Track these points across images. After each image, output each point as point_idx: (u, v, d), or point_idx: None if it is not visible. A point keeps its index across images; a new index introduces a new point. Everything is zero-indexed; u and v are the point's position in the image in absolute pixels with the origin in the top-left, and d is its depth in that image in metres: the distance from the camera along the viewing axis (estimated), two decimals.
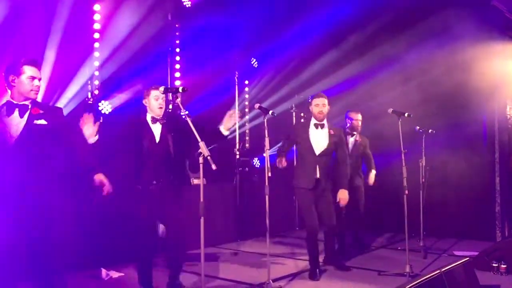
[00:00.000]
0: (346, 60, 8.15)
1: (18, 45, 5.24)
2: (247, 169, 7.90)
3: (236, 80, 8.00)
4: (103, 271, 5.26)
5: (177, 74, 7.17)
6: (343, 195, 5.11)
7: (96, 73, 5.97)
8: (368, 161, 6.44)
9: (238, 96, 8.03)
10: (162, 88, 4.09)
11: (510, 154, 7.18)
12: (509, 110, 7.16)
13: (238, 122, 7.57)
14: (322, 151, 5.10)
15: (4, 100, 3.43)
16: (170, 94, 4.35)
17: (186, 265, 5.53)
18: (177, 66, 7.18)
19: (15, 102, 3.39)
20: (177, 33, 7.22)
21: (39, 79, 3.41)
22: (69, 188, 3.45)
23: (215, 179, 6.89)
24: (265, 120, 4.86)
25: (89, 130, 3.74)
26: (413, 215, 5.72)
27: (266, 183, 4.75)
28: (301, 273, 5.36)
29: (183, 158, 4.45)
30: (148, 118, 4.40)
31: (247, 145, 8.32)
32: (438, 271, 2.85)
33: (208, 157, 3.68)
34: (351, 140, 6.26)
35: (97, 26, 6.00)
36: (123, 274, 5.35)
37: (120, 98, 6.12)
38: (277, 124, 6.69)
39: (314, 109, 5.16)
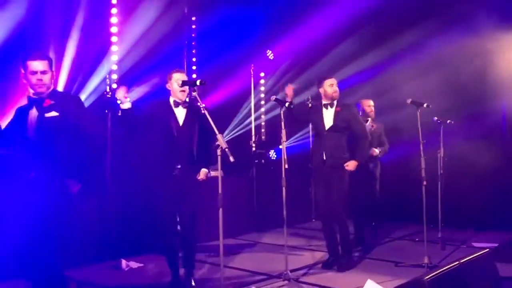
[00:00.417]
0: (364, 50, 8.07)
1: (40, 42, 5.32)
2: (263, 161, 7.93)
3: (252, 72, 8.00)
4: (123, 262, 5.35)
5: (194, 67, 7.21)
6: (350, 163, 5.04)
7: (114, 67, 6.03)
8: (383, 148, 6.40)
9: (254, 88, 8.04)
10: (180, 81, 4.12)
11: None
12: None
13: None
14: (329, 128, 5.10)
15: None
16: (187, 87, 4.39)
17: (205, 256, 5.62)
18: (194, 59, 7.21)
19: (33, 97, 3.44)
20: (193, 26, 7.24)
21: (43, 72, 3.39)
22: (86, 177, 3.45)
23: (231, 171, 6.92)
24: (282, 112, 4.87)
25: (120, 94, 4.07)
26: (431, 206, 5.68)
27: (283, 175, 4.77)
28: (318, 264, 5.38)
29: (205, 143, 4.47)
30: (171, 102, 4.45)
31: (263, 137, 8.34)
32: (457, 262, 2.83)
33: (226, 149, 3.72)
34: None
35: (114, 20, 6.04)
36: (142, 264, 5.44)
37: (138, 92, 6.18)
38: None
39: (329, 89, 5.14)
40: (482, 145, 7.04)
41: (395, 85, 7.55)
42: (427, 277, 2.55)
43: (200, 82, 3.98)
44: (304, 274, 5.00)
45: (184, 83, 4.20)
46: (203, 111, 3.96)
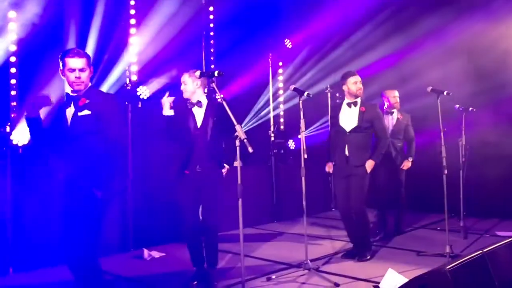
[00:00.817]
0: (384, 37, 7.95)
1: (61, 33, 5.39)
2: (282, 151, 7.93)
3: (270, 62, 7.97)
4: (145, 252, 5.43)
5: (212, 58, 7.22)
6: (368, 164, 5.04)
7: (134, 59, 6.07)
8: (409, 143, 6.27)
9: (272, 78, 8.02)
10: (198, 73, 4.13)
11: None
12: None
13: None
14: (353, 129, 5.07)
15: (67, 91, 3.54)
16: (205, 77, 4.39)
17: (225, 245, 5.66)
18: (212, 50, 7.21)
19: (71, 94, 3.48)
20: (211, 17, 7.24)
21: (82, 70, 3.41)
22: (114, 173, 3.50)
23: (250, 161, 6.95)
24: (300, 101, 4.85)
25: (166, 105, 4.30)
26: (453, 195, 5.62)
27: (302, 165, 4.76)
28: (338, 254, 5.38)
29: (223, 142, 4.50)
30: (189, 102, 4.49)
31: (282, 127, 8.33)
32: (480, 251, 2.80)
33: (245, 140, 3.72)
34: (390, 118, 6.16)
35: (133, 11, 6.08)
36: (164, 254, 5.51)
37: (157, 83, 6.22)
38: (312, 105, 6.66)
39: (353, 87, 5.09)
40: (505, 132, 6.91)
41: (416, 72, 7.43)
42: (449, 266, 2.52)
43: (218, 73, 3.98)
44: (324, 264, 5.01)
45: (202, 74, 4.21)
46: (221, 101, 3.96)
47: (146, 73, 6.15)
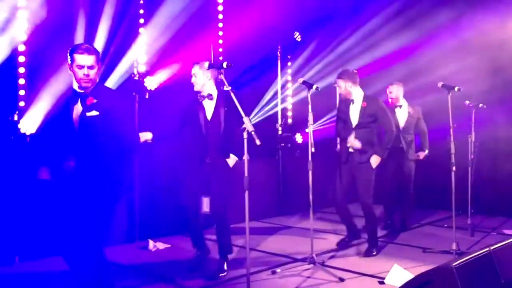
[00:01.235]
0: (396, 31, 7.85)
1: (70, 24, 5.39)
2: (289, 144, 7.90)
3: (279, 55, 7.93)
4: (151, 243, 5.45)
5: (220, 50, 7.18)
6: (372, 159, 5.05)
7: (142, 49, 6.06)
8: (422, 137, 6.27)
9: (281, 71, 7.97)
10: (206, 64, 4.12)
11: None
12: None
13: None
14: (356, 125, 5.11)
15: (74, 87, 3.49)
16: (214, 69, 4.37)
17: (231, 238, 5.66)
18: (220, 41, 7.18)
19: (78, 91, 3.44)
20: (219, 8, 7.19)
21: (90, 67, 3.35)
22: (121, 167, 3.52)
23: (258, 154, 6.92)
24: (309, 95, 4.82)
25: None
26: (461, 192, 5.57)
27: (310, 159, 4.74)
28: (344, 248, 5.36)
29: (232, 134, 4.51)
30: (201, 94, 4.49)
31: (289, 120, 8.29)
32: (487, 249, 2.77)
33: (252, 132, 3.71)
34: (399, 113, 6.11)
35: (142, 1, 6.06)
36: (169, 245, 5.53)
37: (165, 74, 6.20)
38: (320, 99, 6.61)
39: (341, 84, 5.18)
40: None
41: (429, 67, 7.34)
42: (455, 263, 2.50)
43: (227, 65, 3.97)
44: (329, 258, 4.99)
45: (210, 66, 4.19)
46: (229, 93, 3.95)
47: (154, 64, 6.13)
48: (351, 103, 5.18)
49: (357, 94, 5.16)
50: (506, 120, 6.92)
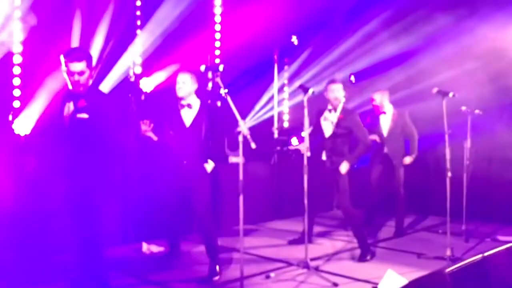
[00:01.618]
0: (394, 36, 7.85)
1: (69, 25, 5.39)
2: (285, 148, 7.89)
3: (276, 58, 7.93)
4: (144, 245, 5.42)
5: (217, 52, 7.18)
6: (342, 164, 5.11)
7: (138, 51, 6.05)
8: (411, 141, 6.25)
9: (277, 74, 7.97)
10: (203, 67, 4.14)
11: None
12: None
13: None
14: (329, 136, 5.20)
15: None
16: (210, 72, 4.40)
17: (225, 242, 5.65)
18: (217, 44, 7.18)
19: (71, 91, 3.55)
20: (216, 11, 7.20)
21: (80, 73, 3.45)
22: (112, 168, 3.60)
23: (253, 158, 6.91)
24: (305, 99, 4.81)
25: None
26: (456, 198, 5.57)
27: (305, 163, 4.73)
28: (339, 253, 5.35)
29: (218, 139, 4.56)
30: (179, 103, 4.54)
31: (285, 124, 8.29)
32: (480, 255, 2.77)
33: (248, 136, 3.71)
34: (384, 119, 6.18)
35: (138, 3, 6.06)
36: (162, 248, 5.50)
37: (161, 76, 6.20)
38: (317, 103, 6.62)
39: (329, 94, 5.23)
40: (510, 136, 6.85)
41: (425, 73, 7.35)
42: (449, 269, 2.50)
43: (223, 68, 3.98)
44: (324, 263, 4.98)
45: (207, 69, 4.22)
46: (213, 104, 3.98)
47: (150, 66, 6.12)
48: (328, 112, 5.26)
49: (339, 104, 5.24)
50: (501, 127, 6.93)
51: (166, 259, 4.99)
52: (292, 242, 5.76)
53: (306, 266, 4.65)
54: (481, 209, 6.89)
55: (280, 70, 8.17)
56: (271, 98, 7.95)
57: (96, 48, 5.54)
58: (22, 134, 5.03)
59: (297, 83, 4.96)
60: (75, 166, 3.51)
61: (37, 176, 4.91)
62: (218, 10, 7.20)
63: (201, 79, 5.67)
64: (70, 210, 3.57)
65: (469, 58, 7.09)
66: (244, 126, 3.85)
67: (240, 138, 3.85)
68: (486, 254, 2.80)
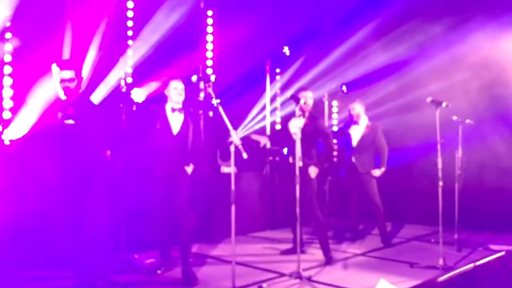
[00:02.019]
0: (386, 46, 7.91)
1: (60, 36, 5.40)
2: (277, 158, 7.88)
3: (268, 68, 7.95)
4: (136, 257, 5.37)
5: (209, 63, 7.18)
6: (310, 169, 5.33)
7: (130, 61, 6.04)
8: (381, 153, 6.35)
9: (270, 84, 7.99)
10: (194, 78, 4.17)
11: None
12: None
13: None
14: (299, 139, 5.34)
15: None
16: (202, 82, 4.44)
17: (217, 252, 5.61)
18: (209, 55, 7.18)
19: (62, 98, 3.88)
20: (209, 21, 7.21)
21: (69, 80, 3.75)
22: (101, 177, 3.75)
23: (245, 168, 6.90)
24: (297, 109, 4.83)
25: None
26: (448, 207, 5.59)
27: (297, 172, 4.73)
28: (331, 263, 5.33)
29: (206, 147, 4.73)
30: (168, 108, 4.65)
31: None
32: (472, 264, 2.78)
33: (240, 146, 3.71)
34: (356, 129, 6.35)
35: (130, 14, 6.06)
36: (154, 259, 5.45)
37: (152, 86, 6.18)
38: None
39: (301, 101, 5.31)
40: (502, 145, 6.90)
41: (417, 83, 7.39)
42: (441, 278, 2.50)
43: (215, 78, 4.02)
44: (316, 273, 4.96)
45: (199, 79, 4.27)
46: (216, 107, 3.99)
47: (142, 77, 6.11)
48: (298, 117, 5.34)
49: (307, 110, 5.47)
50: (492, 136, 6.98)
51: (157, 270, 4.94)
52: (284, 252, 5.74)
53: (298, 276, 4.63)
54: (473, 218, 6.92)
55: (272, 80, 8.19)
56: (263, 108, 7.96)
57: (87, 59, 5.54)
58: (8, 144, 5.00)
59: (288, 93, 4.98)
60: (63, 169, 3.76)
61: (27, 184, 4.88)
62: (210, 20, 7.21)
63: (193, 89, 5.81)
64: (62, 213, 3.86)
65: (461, 67, 7.16)
66: (236, 137, 3.86)
67: (232, 148, 3.85)
68: (478, 263, 2.81)
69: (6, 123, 5.05)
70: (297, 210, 4.77)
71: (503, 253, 3.11)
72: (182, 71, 5.96)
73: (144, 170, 4.94)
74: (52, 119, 3.83)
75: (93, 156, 3.83)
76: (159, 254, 4.98)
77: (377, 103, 7.71)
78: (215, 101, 4.11)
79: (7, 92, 5.11)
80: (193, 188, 4.75)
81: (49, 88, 4.94)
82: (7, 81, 5.11)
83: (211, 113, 6.78)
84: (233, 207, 3.85)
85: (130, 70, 6.01)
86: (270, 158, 7.74)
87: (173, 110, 4.63)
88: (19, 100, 5.13)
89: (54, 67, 3.77)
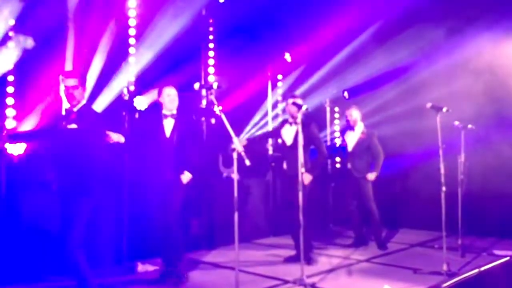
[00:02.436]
0: (387, 51, 7.90)
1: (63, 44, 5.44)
2: (273, 164, 7.88)
3: (269, 75, 7.97)
4: (139, 265, 5.37)
5: (211, 70, 7.20)
6: (304, 175, 5.27)
7: (132, 69, 6.06)
8: (376, 159, 6.37)
9: (271, 91, 8.00)
10: (197, 85, 4.19)
11: None
12: None
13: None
14: (290, 145, 5.52)
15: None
16: (204, 90, 4.46)
17: (220, 259, 5.60)
18: (211, 62, 7.20)
19: (66, 107, 4.03)
20: (211, 29, 7.23)
21: (73, 88, 3.91)
22: (103, 184, 3.81)
23: (248, 174, 6.91)
24: (299, 115, 4.84)
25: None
26: (452, 212, 5.58)
27: (300, 179, 4.73)
28: (335, 270, 5.32)
29: (199, 153, 4.80)
30: (162, 113, 4.75)
31: (279, 140, 8.28)
32: (477, 270, 2.77)
33: (242, 153, 3.71)
34: (352, 135, 6.43)
35: (132, 22, 6.09)
36: (158, 267, 5.44)
37: (155, 94, 6.20)
38: (310, 119, 6.65)
39: (291, 108, 5.46)
40: (505, 149, 6.88)
41: (419, 88, 7.38)
42: (445, 284, 2.49)
43: (217, 86, 4.03)
44: (320, 280, 4.94)
45: (201, 87, 4.31)
46: (219, 114, 4.00)
47: (144, 84, 6.12)
48: (288, 124, 5.57)
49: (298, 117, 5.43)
50: (495, 141, 6.96)
51: (161, 279, 4.93)
52: (288, 260, 5.73)
53: (302, 283, 4.62)
54: (477, 223, 6.89)
55: (274, 86, 8.20)
56: (265, 114, 7.98)
57: (90, 67, 5.57)
58: (15, 154, 5.01)
59: (290, 100, 4.98)
60: (66, 173, 3.85)
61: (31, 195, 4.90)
62: (212, 28, 7.24)
63: (195, 97, 5.85)
64: (62, 216, 3.84)
65: (463, 72, 7.15)
66: (238, 143, 3.87)
67: (235, 155, 3.86)
68: (482, 268, 2.79)
69: (10, 132, 5.06)
70: (300, 217, 4.76)
71: (507, 258, 3.10)
72: (183, 78, 5.99)
73: (142, 177, 4.98)
74: (55, 125, 3.96)
75: (94, 162, 3.90)
76: (162, 262, 4.96)
77: (380, 108, 7.72)
78: (217, 108, 4.12)
79: (10, 101, 5.13)
80: (190, 196, 4.83)
81: (53, 96, 5.02)
82: (10, 89, 5.14)
83: (213, 120, 6.79)
84: (236, 214, 3.85)
85: (132, 78, 6.02)
86: (273, 164, 7.74)
87: (166, 116, 4.72)
88: (22, 109, 5.16)
89: (61, 77, 3.95)
